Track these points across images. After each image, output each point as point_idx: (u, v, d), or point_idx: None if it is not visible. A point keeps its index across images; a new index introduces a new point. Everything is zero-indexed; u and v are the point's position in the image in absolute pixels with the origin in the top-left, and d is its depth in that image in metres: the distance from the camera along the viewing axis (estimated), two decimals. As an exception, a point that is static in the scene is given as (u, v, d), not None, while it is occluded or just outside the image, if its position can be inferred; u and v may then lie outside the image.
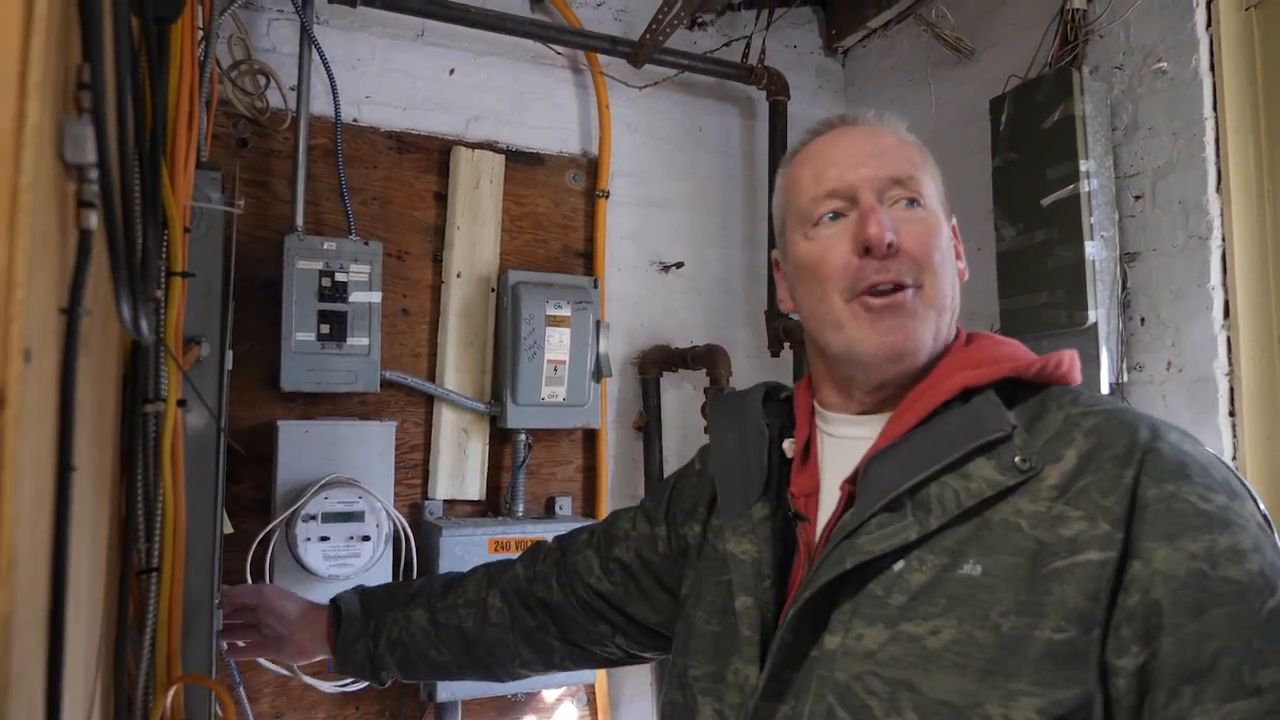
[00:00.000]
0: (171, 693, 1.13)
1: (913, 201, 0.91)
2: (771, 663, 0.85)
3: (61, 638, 0.64)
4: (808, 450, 0.99)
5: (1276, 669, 0.67)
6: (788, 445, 1.01)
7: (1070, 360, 0.90)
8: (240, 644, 1.39)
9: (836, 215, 0.91)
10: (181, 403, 1.21)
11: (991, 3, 2.42)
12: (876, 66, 2.88)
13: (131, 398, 1.17)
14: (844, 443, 0.94)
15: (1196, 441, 0.82)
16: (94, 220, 0.63)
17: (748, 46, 2.66)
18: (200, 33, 1.49)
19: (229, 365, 1.45)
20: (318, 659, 1.39)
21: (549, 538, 2.19)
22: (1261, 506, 0.78)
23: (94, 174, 0.61)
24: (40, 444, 0.60)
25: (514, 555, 1.35)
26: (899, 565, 0.80)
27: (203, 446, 1.34)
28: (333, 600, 1.34)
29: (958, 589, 0.77)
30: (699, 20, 2.73)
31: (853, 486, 0.87)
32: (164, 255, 1.16)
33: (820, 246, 0.91)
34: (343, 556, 1.95)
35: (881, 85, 2.85)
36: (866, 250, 0.87)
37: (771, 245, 2.53)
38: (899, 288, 0.88)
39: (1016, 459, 0.79)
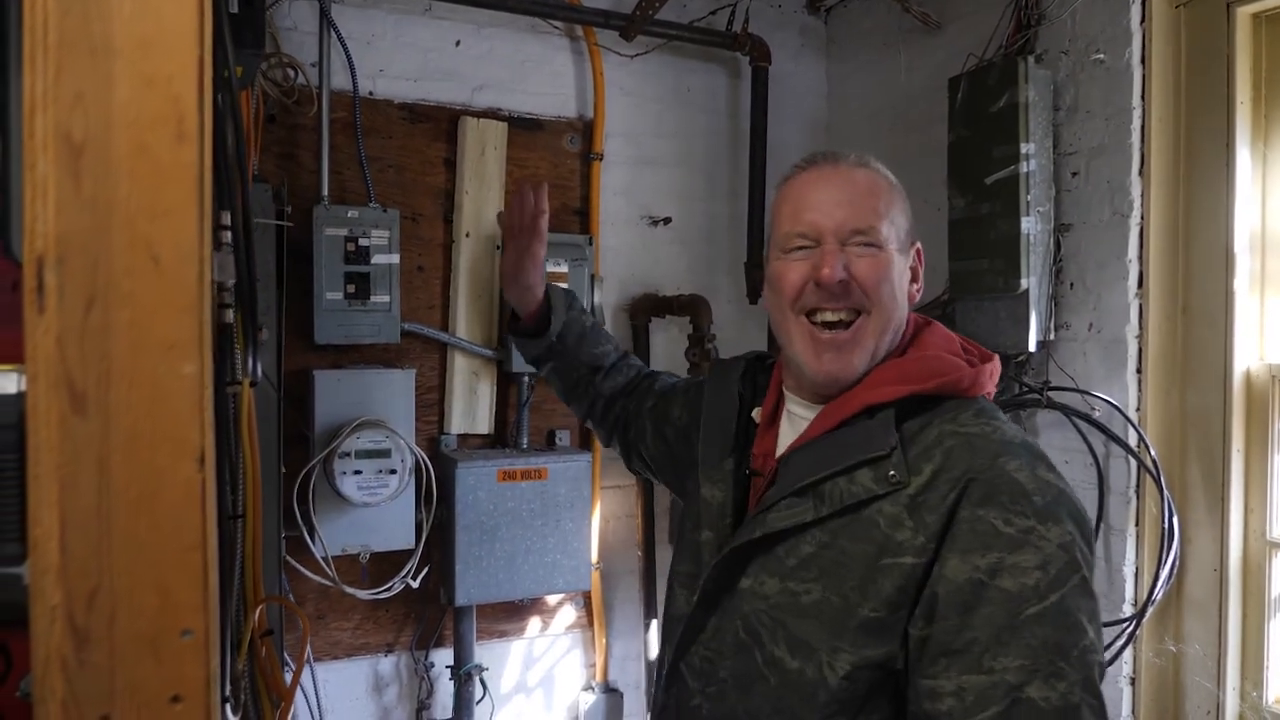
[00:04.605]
0: (259, 610, 1.47)
1: (869, 244, 1.13)
2: (703, 587, 1.14)
3: (221, 579, 0.96)
4: (777, 413, 1.27)
5: (1009, 658, 0.89)
6: (755, 413, 1.30)
7: (973, 378, 1.08)
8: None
9: (804, 248, 1.15)
10: (253, 383, 1.51)
11: (958, -21, 2.60)
12: (856, 27, 3.06)
13: (217, 378, 1.47)
14: (796, 419, 1.22)
15: (1039, 465, 0.98)
16: (231, 315, 0.91)
17: (732, 14, 2.84)
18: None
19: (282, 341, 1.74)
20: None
21: (550, 468, 2.53)
22: (1081, 529, 0.95)
23: (231, 284, 0.89)
24: (212, 467, 0.91)
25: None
26: (797, 536, 1.09)
27: (267, 412, 1.64)
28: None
29: (828, 563, 1.02)
30: (689, -16, 2.89)
31: (778, 465, 1.17)
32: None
33: (785, 268, 1.16)
34: (373, 487, 2.29)
35: (860, 46, 3.04)
36: (819, 283, 1.12)
37: (751, 196, 2.77)
38: (847, 324, 1.12)
39: (890, 473, 1.01)
